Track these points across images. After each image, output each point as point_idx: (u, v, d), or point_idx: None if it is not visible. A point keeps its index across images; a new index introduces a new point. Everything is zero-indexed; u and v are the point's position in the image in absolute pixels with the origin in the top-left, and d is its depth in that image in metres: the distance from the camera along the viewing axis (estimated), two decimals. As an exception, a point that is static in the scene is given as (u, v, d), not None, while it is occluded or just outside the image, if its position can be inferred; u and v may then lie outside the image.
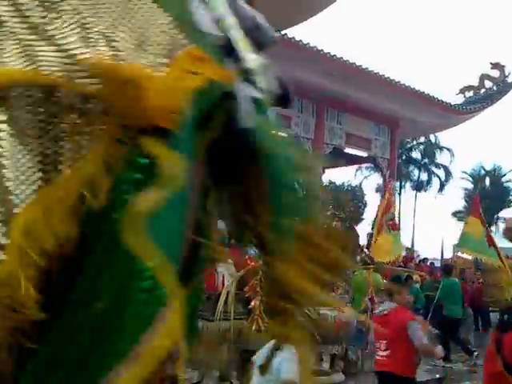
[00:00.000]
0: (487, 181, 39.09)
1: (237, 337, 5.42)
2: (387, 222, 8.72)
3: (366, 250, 16.65)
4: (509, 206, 38.01)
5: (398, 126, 17.57)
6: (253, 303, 5.46)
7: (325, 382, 5.83)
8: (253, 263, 6.18)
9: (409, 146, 34.15)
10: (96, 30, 0.59)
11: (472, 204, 9.21)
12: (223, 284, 5.62)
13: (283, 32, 12.96)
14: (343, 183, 35.96)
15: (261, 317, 5.40)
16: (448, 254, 20.66)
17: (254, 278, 5.71)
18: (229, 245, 12.05)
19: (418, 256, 18.05)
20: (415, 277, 12.35)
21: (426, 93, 15.97)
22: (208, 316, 5.31)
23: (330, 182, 34.33)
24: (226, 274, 10.33)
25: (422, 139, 33.38)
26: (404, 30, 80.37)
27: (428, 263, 16.89)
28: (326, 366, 6.38)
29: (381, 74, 14.68)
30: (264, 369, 3.48)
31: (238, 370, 5.82)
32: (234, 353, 5.51)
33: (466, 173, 39.66)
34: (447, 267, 10.12)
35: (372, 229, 12.74)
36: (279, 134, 0.84)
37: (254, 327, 5.32)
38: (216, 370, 5.44)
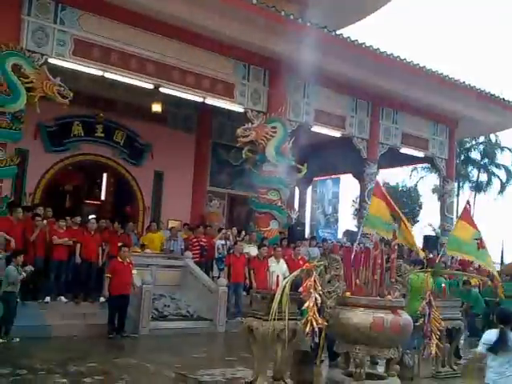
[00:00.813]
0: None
1: (291, 337, 5.43)
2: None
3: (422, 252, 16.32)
4: None
5: (457, 125, 17.06)
6: (307, 304, 5.47)
7: (380, 386, 5.74)
8: (306, 264, 6.17)
9: (468, 145, 33.07)
10: None
11: (463, 210, 8.98)
12: (277, 284, 5.63)
13: (338, 32, 12.88)
14: (397, 184, 35.48)
15: (315, 318, 5.40)
16: (509, 257, 19.92)
17: (307, 278, 5.72)
18: (281, 245, 12.12)
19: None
20: (473, 281, 11.96)
21: (486, 91, 15.44)
22: (262, 315, 5.35)
23: (385, 183, 33.90)
24: (279, 273, 10.36)
25: (482, 139, 32.23)
26: (463, 27, 77.58)
27: (488, 267, 16.21)
28: (381, 370, 6.30)
29: (439, 72, 14.32)
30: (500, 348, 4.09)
31: (292, 369, 5.84)
32: (287, 352, 5.52)
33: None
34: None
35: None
36: None
37: (308, 328, 5.32)
38: (270, 369, 5.47)
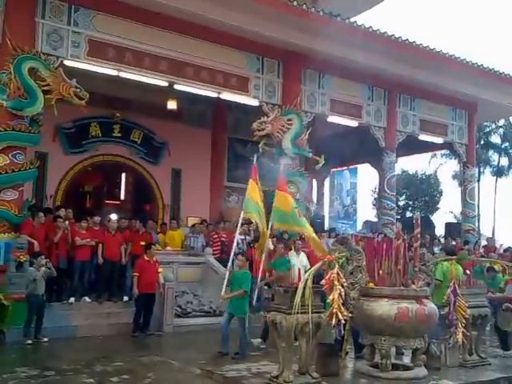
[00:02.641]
0: None
1: (315, 330, 5.41)
2: None
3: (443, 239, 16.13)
4: None
5: (476, 109, 16.75)
6: (331, 297, 5.43)
7: (407, 377, 5.69)
8: (328, 256, 6.13)
9: (488, 129, 32.50)
10: None
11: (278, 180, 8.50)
12: (299, 277, 5.60)
13: (352, 19, 12.72)
14: (416, 172, 35.08)
15: (339, 310, 5.36)
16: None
17: (329, 270, 5.68)
18: (301, 238, 11.91)
19: (502, 245, 17.13)
20: (497, 266, 11.78)
21: (505, 73, 15.13)
22: (286, 309, 5.33)
23: (403, 171, 33.57)
24: (300, 267, 10.32)
25: (502, 122, 31.64)
26: (479, 7, 76.07)
27: (512, 253, 15.95)
28: (407, 360, 6.24)
29: (456, 56, 14.07)
30: None
31: (317, 362, 5.82)
32: (312, 346, 5.50)
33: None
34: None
35: None
36: None
37: (334, 321, 5.29)
38: (295, 362, 5.45)
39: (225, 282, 7.46)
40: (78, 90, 9.88)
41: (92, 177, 16.21)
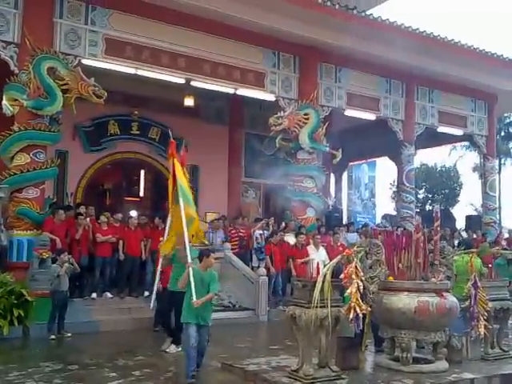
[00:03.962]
0: None
1: (334, 324, 5.41)
2: None
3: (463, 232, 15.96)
4: None
5: (496, 100, 16.50)
6: (349, 291, 5.43)
7: (428, 370, 5.67)
8: (346, 250, 6.12)
9: (508, 120, 31.99)
10: None
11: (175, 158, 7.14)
12: (318, 272, 5.61)
13: (368, 12, 12.61)
14: (436, 164, 34.71)
15: (358, 304, 5.36)
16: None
17: (348, 264, 5.68)
18: (320, 232, 11.87)
19: (524, 237, 16.87)
20: (520, 259, 11.65)
21: (526, 62, 14.88)
22: (305, 303, 5.35)
23: (422, 164, 33.25)
24: (319, 261, 10.32)
25: (523, 112, 31.10)
26: (492, 5, 74.89)
27: (535, 245, 15.72)
28: (428, 353, 6.21)
29: (474, 46, 13.87)
30: None
31: (337, 356, 5.83)
32: (332, 339, 5.51)
33: None
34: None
35: None
36: None
37: (352, 314, 5.29)
38: (315, 356, 5.47)
39: (192, 284, 5.81)
40: (96, 88, 9.99)
41: (111, 174, 16.38)
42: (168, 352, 7.26)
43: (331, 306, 5.27)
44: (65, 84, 9.83)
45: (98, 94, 10.03)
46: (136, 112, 14.54)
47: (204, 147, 14.89)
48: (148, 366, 6.51)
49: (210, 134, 15.12)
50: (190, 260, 6.06)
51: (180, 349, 7.20)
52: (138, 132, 14.72)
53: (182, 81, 11.69)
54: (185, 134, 15.00)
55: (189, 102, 14.16)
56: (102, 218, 10.19)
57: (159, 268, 9.27)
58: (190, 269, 5.92)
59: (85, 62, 10.33)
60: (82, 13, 10.29)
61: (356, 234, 13.64)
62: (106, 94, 10.11)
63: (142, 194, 17.34)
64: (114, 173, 16.32)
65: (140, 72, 11.09)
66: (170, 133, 7.61)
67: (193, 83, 11.88)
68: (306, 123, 12.48)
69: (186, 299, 5.86)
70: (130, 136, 14.65)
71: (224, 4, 10.62)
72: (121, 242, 10.07)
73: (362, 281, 5.50)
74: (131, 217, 10.97)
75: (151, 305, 7.15)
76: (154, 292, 7.27)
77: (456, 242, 12.42)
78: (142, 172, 17.09)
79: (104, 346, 7.87)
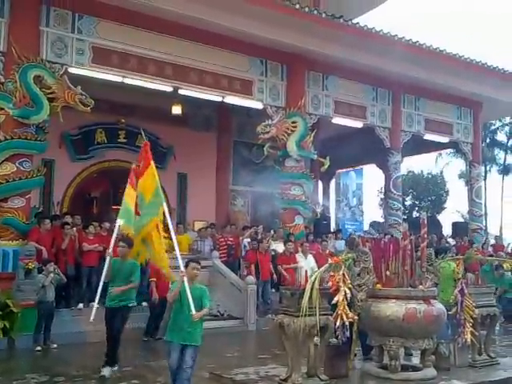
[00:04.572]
0: None
1: (323, 332, 5.41)
2: None
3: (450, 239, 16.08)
4: None
5: (481, 107, 16.71)
6: (336, 298, 5.43)
7: (416, 378, 5.68)
8: (334, 258, 6.13)
9: (493, 127, 32.39)
10: None
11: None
12: (306, 279, 5.61)
13: (355, 21, 12.73)
14: (422, 171, 34.98)
15: (345, 312, 5.36)
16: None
17: (336, 272, 5.68)
18: (308, 240, 11.87)
19: (509, 244, 17.06)
20: (506, 265, 11.75)
21: (509, 71, 15.07)
22: (293, 312, 5.33)
23: (409, 171, 33.49)
24: (307, 269, 10.31)
25: (508, 120, 31.52)
26: (480, 5, 76.06)
27: (521, 251, 15.88)
28: (416, 361, 6.22)
29: (460, 55, 14.05)
30: None
31: (326, 364, 5.81)
32: (320, 348, 5.50)
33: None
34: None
35: None
36: None
37: (338, 322, 5.29)
38: (303, 365, 5.46)
39: (189, 295, 5.18)
40: (83, 96, 9.95)
41: (98, 183, 16.28)
42: None
43: (320, 315, 5.27)
44: (51, 92, 9.78)
45: (84, 103, 9.99)
46: (123, 120, 14.50)
47: (192, 155, 14.88)
48: (135, 377, 6.45)
49: (198, 141, 15.11)
50: (182, 268, 5.50)
51: None
52: (125, 140, 14.67)
53: (170, 89, 11.68)
54: (173, 141, 15.03)
55: (176, 110, 14.16)
56: (91, 229, 10.09)
57: (152, 278, 9.29)
58: (185, 279, 5.29)
59: (72, 70, 10.28)
60: (68, 21, 10.26)
61: (344, 241, 13.67)
62: (92, 102, 10.08)
63: (129, 202, 17.23)
64: (101, 181, 16.22)
65: (127, 80, 11.07)
66: (143, 132, 7.28)
67: (180, 91, 11.88)
68: (293, 131, 12.53)
69: (173, 314, 5.31)
70: (118, 144, 14.60)
71: (209, 13, 10.63)
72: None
73: (349, 288, 5.50)
74: (119, 226, 10.86)
75: (91, 318, 6.14)
76: (95, 304, 6.31)
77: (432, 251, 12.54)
78: (130, 180, 17.01)
79: (91, 357, 7.77)
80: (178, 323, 5.20)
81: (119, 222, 6.47)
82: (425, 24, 67.50)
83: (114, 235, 6.49)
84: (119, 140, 14.63)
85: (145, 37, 10.91)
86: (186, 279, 5.30)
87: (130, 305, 6.75)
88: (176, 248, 5.91)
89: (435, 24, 70.86)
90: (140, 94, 12.61)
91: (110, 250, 6.31)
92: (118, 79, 10.99)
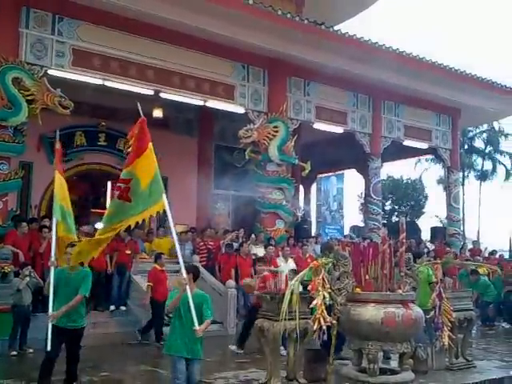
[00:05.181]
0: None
1: (302, 336, 5.42)
2: None
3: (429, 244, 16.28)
4: None
5: (460, 114, 17.00)
6: (314, 302, 5.46)
7: (394, 381, 5.73)
8: (314, 262, 6.16)
9: (471, 134, 32.94)
10: None
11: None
12: (286, 283, 5.63)
13: (337, 27, 12.86)
14: (402, 177, 35.36)
15: (323, 315, 5.39)
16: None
17: (316, 276, 5.70)
18: (289, 244, 11.90)
19: (486, 249, 17.35)
20: (482, 270, 11.95)
21: (487, 78, 15.37)
22: (273, 316, 5.34)
23: (389, 177, 33.83)
24: (288, 273, 10.33)
25: (485, 127, 32.09)
26: (460, 14, 77.81)
27: (497, 256, 16.17)
28: (394, 364, 6.28)
29: (439, 62, 14.27)
30: None
31: (305, 368, 5.83)
32: (300, 352, 5.52)
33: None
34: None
35: None
36: None
37: (316, 326, 5.31)
38: (283, 369, 5.46)
39: (192, 307, 4.82)
40: (63, 99, 9.86)
41: (77, 186, 16.05)
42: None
43: (299, 319, 5.28)
44: (30, 94, 9.67)
45: (64, 105, 9.90)
46: (103, 123, 14.38)
47: (173, 159, 14.77)
48: (113, 382, 6.39)
49: (180, 145, 15.06)
50: (184, 275, 4.97)
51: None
52: (105, 143, 14.55)
53: (151, 92, 11.63)
54: (153, 145, 14.92)
55: (158, 113, 14.09)
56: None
57: (149, 283, 9.23)
58: (188, 288, 4.83)
59: (51, 72, 10.18)
60: (48, 23, 10.16)
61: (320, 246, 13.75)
62: (72, 104, 9.99)
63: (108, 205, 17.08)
64: (80, 184, 16.02)
65: (108, 83, 11.00)
66: (140, 107, 6.18)
67: (162, 95, 11.84)
68: (275, 136, 12.57)
69: (173, 325, 4.97)
70: (98, 147, 14.47)
71: (191, 17, 10.63)
72: (86, 255, 9.87)
73: (329, 293, 5.53)
74: (97, 229, 10.76)
75: (48, 347, 5.33)
76: (49, 333, 5.38)
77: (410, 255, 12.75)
78: (109, 184, 16.86)
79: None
80: (179, 336, 4.86)
81: (55, 220, 5.76)
82: (409, 32, 68.50)
83: (54, 238, 5.65)
84: (99, 143, 14.50)
85: (126, 40, 10.85)
86: (188, 288, 4.84)
87: (82, 326, 5.67)
88: (178, 251, 5.32)
89: (419, 32, 71.94)
90: (121, 97, 12.52)
91: (53, 257, 5.41)
92: (99, 82, 10.92)
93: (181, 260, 5.15)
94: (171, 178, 15.26)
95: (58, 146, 6.52)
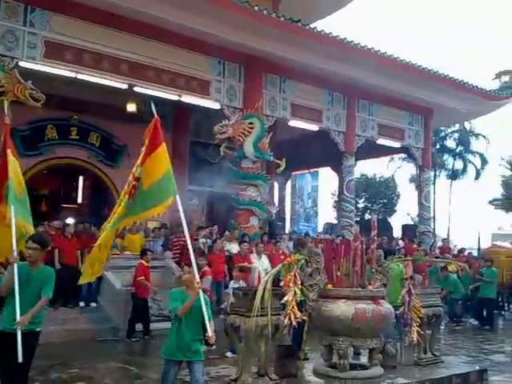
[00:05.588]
0: (526, 167, 37.88)
1: (274, 332, 5.44)
2: None
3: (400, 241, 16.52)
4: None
5: (432, 114, 17.27)
6: (286, 298, 5.48)
7: (364, 376, 5.80)
8: (287, 258, 6.19)
9: (443, 134, 33.51)
10: None
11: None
12: (259, 280, 5.64)
13: (313, 25, 12.89)
14: (375, 175, 35.79)
15: (293, 311, 5.42)
16: (485, 243, 20.30)
17: (288, 273, 5.73)
18: (263, 241, 11.92)
19: (456, 246, 17.70)
20: (451, 267, 12.19)
21: (460, 79, 15.65)
22: (245, 312, 5.34)
23: (362, 175, 34.20)
24: (261, 269, 10.37)
25: (457, 127, 32.70)
26: (435, 16, 79.13)
27: (466, 253, 16.51)
28: (364, 359, 6.35)
29: (413, 62, 14.46)
30: None
31: (276, 364, 5.85)
32: (271, 348, 5.53)
33: (503, 159, 38.53)
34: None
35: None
36: None
37: (286, 321, 5.34)
38: (254, 365, 5.47)
39: (205, 313, 4.64)
40: (34, 91, 9.66)
41: (48, 180, 15.83)
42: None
43: (272, 315, 5.30)
44: (0, 86, 9.44)
45: (35, 98, 9.70)
46: (75, 116, 14.16)
47: (147, 154, 14.66)
48: (82, 378, 6.31)
49: (154, 140, 14.89)
50: (197, 278, 4.73)
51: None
52: (77, 137, 14.33)
53: (125, 86, 11.49)
54: (127, 140, 14.77)
55: (131, 107, 13.94)
56: (39, 228, 9.78)
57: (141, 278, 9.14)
58: (201, 292, 4.62)
59: (23, 64, 9.96)
60: (20, 14, 9.92)
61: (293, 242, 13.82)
62: (44, 97, 9.79)
63: (80, 200, 16.85)
64: (50, 179, 15.79)
65: (80, 76, 10.82)
66: (153, 106, 5.82)
67: (136, 89, 11.70)
68: (250, 132, 12.57)
69: (172, 330, 4.71)
70: (69, 141, 14.25)
71: (167, 11, 10.52)
72: (56, 250, 9.72)
73: (301, 289, 5.56)
74: (68, 224, 10.63)
75: (19, 358, 4.45)
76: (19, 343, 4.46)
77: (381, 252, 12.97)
78: (81, 178, 16.63)
79: (35, 358, 7.45)
80: (176, 339, 4.67)
81: (13, 208, 5.04)
82: (386, 32, 69.27)
83: (14, 231, 4.90)
84: (71, 137, 14.28)
85: (100, 32, 10.68)
86: (201, 292, 4.61)
87: (39, 329, 4.82)
88: (190, 251, 4.92)
89: (396, 32, 72.79)
90: (94, 90, 12.34)
91: (15, 252, 4.71)
92: (72, 75, 10.72)
93: (193, 260, 4.82)
94: (145, 173, 15.13)
95: (7, 120, 5.97)
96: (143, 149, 5.59)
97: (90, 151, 14.60)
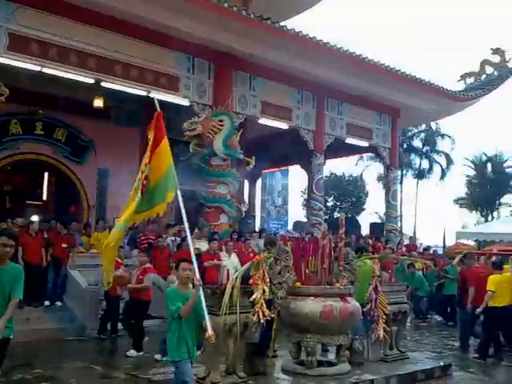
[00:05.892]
0: (489, 167, 38.98)
1: (243, 330, 5.43)
2: None
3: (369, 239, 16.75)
4: (510, 192, 37.94)
5: (399, 114, 17.54)
6: (254, 296, 5.48)
7: (332, 373, 5.85)
8: (256, 256, 6.19)
9: (410, 134, 34.14)
10: None
11: None
12: (228, 278, 5.61)
13: (283, 23, 12.90)
14: (343, 174, 36.21)
15: (262, 309, 5.42)
16: (450, 241, 20.76)
17: (257, 271, 5.73)
18: (232, 239, 11.87)
19: (421, 244, 18.04)
20: (417, 265, 12.42)
21: (426, 80, 15.91)
22: (214, 310, 5.31)
23: (331, 173, 34.55)
24: (230, 268, 10.34)
25: (423, 127, 33.35)
26: (401, 16, 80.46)
27: (431, 251, 16.87)
28: (331, 356, 6.41)
29: (380, 62, 14.63)
30: None
31: (244, 362, 5.85)
32: (240, 346, 5.52)
33: (467, 159, 39.56)
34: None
35: None
36: None
37: (255, 319, 5.34)
38: (222, 363, 5.45)
39: (205, 312, 4.58)
40: (-3, 85, 9.38)
41: (12, 176, 15.42)
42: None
43: (240, 313, 5.29)
44: (-39, 79, 9.14)
45: (-2, 91, 9.42)
46: (41, 111, 13.83)
47: (114, 150, 14.45)
48: (47, 379, 6.16)
49: (121, 137, 14.70)
50: (197, 275, 4.60)
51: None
52: (42, 132, 14.01)
53: (92, 81, 11.26)
54: (94, 135, 14.54)
55: (98, 103, 13.69)
56: (2, 225, 9.54)
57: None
58: (201, 291, 4.53)
59: (-16, 56, 9.65)
60: (-18, 5, 9.61)
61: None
62: (7, 91, 9.53)
63: (45, 197, 16.48)
64: (15, 175, 15.38)
65: (46, 70, 10.54)
66: (156, 101, 5.83)
67: (103, 84, 11.49)
68: (220, 129, 12.49)
69: (175, 328, 4.57)
70: (34, 136, 13.90)
71: (135, 5, 10.35)
72: (20, 248, 9.46)
73: (269, 287, 5.57)
74: (32, 222, 10.37)
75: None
76: None
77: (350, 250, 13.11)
78: (46, 174, 16.26)
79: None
80: (185, 339, 4.56)
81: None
82: (356, 31, 70.05)
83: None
84: (36, 132, 13.94)
85: (66, 26, 10.43)
86: (201, 289, 4.52)
87: (12, 336, 4.45)
88: (191, 250, 4.85)
89: (364, 32, 73.66)
90: (61, 85, 12.05)
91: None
92: (37, 68, 10.44)
93: (194, 259, 4.68)
94: (112, 170, 14.92)
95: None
96: (149, 144, 5.63)
97: (56, 147, 14.28)
